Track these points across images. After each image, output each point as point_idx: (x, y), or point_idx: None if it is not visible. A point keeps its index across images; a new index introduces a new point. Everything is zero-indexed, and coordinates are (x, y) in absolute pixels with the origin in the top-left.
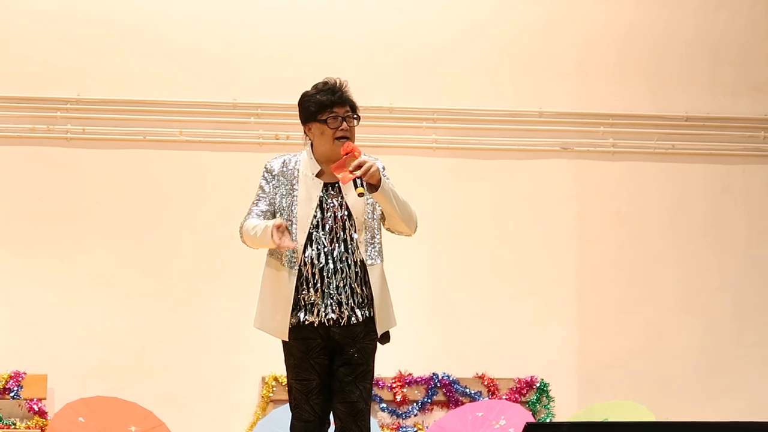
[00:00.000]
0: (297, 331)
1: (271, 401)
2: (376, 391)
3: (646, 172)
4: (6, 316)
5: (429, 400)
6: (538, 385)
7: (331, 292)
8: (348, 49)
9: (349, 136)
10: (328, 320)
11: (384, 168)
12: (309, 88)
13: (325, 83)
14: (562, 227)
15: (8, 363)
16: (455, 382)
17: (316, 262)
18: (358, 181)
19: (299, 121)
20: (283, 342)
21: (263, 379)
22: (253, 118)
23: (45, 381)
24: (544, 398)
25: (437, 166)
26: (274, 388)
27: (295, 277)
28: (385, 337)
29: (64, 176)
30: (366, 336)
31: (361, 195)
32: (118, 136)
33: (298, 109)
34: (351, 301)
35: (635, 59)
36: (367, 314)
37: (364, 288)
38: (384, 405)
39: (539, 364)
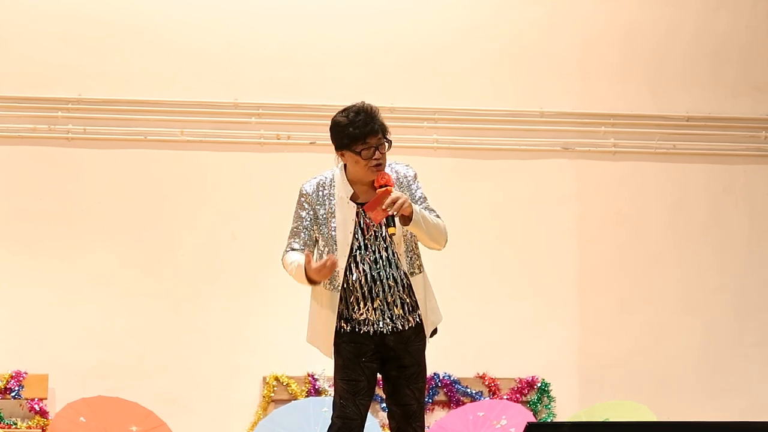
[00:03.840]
0: (350, 335)
1: (272, 401)
2: (376, 391)
3: (647, 172)
4: (7, 316)
5: (430, 400)
6: (539, 385)
7: (383, 308)
8: (348, 49)
9: (382, 162)
10: (382, 331)
11: (416, 176)
12: (340, 114)
13: (356, 113)
14: (562, 227)
15: (9, 363)
16: (456, 382)
17: (364, 283)
18: (390, 220)
19: (299, 121)
20: (334, 343)
21: (264, 379)
22: (254, 118)
23: (46, 381)
24: (545, 398)
25: (438, 166)
26: (275, 388)
27: (338, 297)
28: (433, 332)
29: (65, 176)
30: (416, 338)
31: (393, 234)
32: (119, 136)
33: (330, 133)
34: (401, 311)
35: (636, 59)
36: (418, 320)
37: (411, 296)
38: (384, 405)
39: (540, 364)
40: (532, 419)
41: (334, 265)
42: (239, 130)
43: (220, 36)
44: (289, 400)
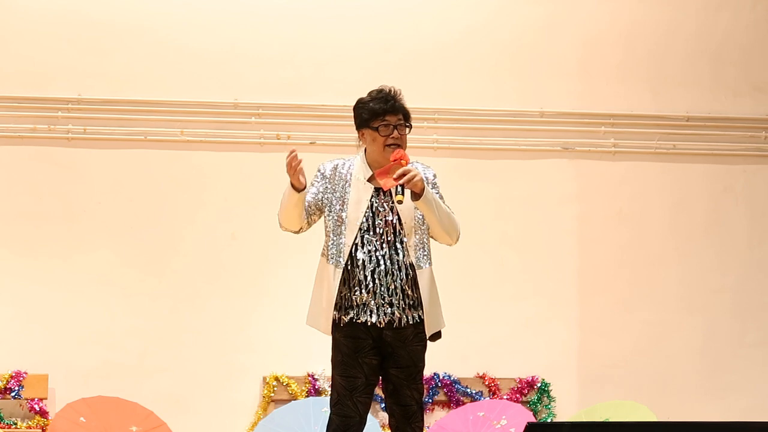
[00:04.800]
0: (348, 329)
1: (272, 401)
2: (377, 391)
3: (648, 172)
4: (7, 316)
5: (430, 400)
6: (539, 385)
7: (383, 294)
8: (349, 49)
9: (400, 144)
10: (380, 322)
11: (435, 176)
12: (365, 95)
13: (379, 90)
14: (563, 227)
15: (9, 363)
16: (456, 382)
17: (368, 264)
18: (399, 188)
19: (301, 120)
20: (333, 339)
21: (264, 378)
22: (254, 118)
23: (46, 381)
24: (545, 398)
25: (438, 166)
26: (275, 388)
27: (340, 275)
28: (436, 336)
29: (65, 176)
30: (415, 338)
31: (399, 202)
32: (119, 136)
33: (353, 113)
34: (402, 303)
35: (637, 59)
36: (418, 318)
37: (414, 291)
38: (384, 405)
39: (540, 364)
40: (532, 419)
41: (293, 162)
42: (239, 130)
43: (221, 36)
44: (289, 400)
